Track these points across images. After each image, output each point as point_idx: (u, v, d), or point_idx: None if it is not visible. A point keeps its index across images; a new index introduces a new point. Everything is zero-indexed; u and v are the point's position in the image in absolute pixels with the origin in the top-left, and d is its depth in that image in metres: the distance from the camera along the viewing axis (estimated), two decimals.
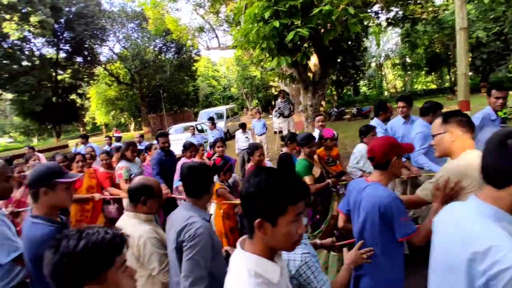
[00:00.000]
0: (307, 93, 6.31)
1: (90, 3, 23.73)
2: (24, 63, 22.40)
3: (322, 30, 4.99)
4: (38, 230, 1.55)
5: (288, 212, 0.93)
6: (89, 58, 25.93)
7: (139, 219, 1.91)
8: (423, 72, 34.38)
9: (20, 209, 3.52)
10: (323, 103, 9.79)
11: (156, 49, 28.35)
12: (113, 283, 0.94)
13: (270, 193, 0.93)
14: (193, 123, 14.16)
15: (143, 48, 26.90)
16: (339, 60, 15.70)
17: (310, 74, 6.72)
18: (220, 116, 17.71)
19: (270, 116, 22.55)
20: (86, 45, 24.72)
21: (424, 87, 36.19)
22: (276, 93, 37.04)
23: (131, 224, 1.86)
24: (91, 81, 27.81)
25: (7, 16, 17.02)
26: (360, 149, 3.60)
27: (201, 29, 19.03)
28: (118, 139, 9.94)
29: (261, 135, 9.64)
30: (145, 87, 28.26)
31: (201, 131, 13.74)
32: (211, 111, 19.44)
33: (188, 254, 1.55)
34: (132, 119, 37.68)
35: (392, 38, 35.20)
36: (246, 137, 7.98)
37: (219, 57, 60.58)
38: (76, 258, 0.88)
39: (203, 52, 30.49)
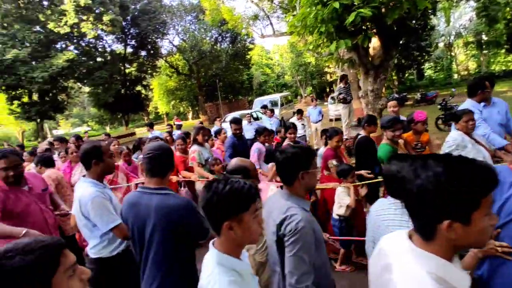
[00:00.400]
0: (367, 77, 5.97)
1: (152, 0, 25.23)
2: (98, 59, 24.86)
3: (386, 9, 4.64)
4: (170, 200, 1.74)
5: (482, 205, 0.79)
6: (152, 51, 27.76)
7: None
8: (503, 51, 30.12)
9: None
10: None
11: (212, 39, 29.17)
12: (247, 225, 1.12)
13: (457, 188, 0.78)
14: (249, 111, 14.41)
15: (200, 39, 27.87)
16: (402, 42, 14.52)
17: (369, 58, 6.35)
18: (274, 104, 17.69)
19: (326, 103, 21.93)
20: (149, 40, 26.46)
21: (504, 68, 31.76)
22: (332, 79, 35.91)
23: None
24: (154, 73, 29.82)
25: (84, 17, 18.92)
26: (455, 136, 3.05)
27: (255, 17, 19.06)
28: (179, 127, 10.56)
29: (316, 122, 9.44)
30: (202, 77, 29.38)
31: (256, 118, 13.90)
32: (265, 99, 19.52)
33: (291, 250, 1.47)
34: (190, 108, 39.59)
35: (465, 14, 31.33)
36: (303, 124, 7.83)
37: (272, 45, 60.13)
38: (221, 197, 1.10)
39: (257, 41, 30.66)
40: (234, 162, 2.00)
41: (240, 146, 4.68)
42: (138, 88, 28.95)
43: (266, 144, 4.58)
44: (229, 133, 5.18)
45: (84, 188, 2.08)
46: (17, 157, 2.57)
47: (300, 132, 7.62)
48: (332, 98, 17.70)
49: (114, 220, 1.98)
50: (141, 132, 29.42)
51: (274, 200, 1.69)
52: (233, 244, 1.15)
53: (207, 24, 26.05)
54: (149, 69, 28.57)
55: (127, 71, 27.32)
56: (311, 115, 9.71)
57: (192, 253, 1.83)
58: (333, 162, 3.46)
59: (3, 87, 20.40)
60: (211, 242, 1.21)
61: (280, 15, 20.01)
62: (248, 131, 7.94)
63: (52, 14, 19.64)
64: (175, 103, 37.97)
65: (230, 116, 16.31)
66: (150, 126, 9.00)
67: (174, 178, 4.17)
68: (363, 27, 5.26)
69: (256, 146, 4.45)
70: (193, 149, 4.36)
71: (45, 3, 20.87)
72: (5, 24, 19.21)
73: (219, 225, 1.11)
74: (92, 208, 1.97)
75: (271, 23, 18.25)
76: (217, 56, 28.81)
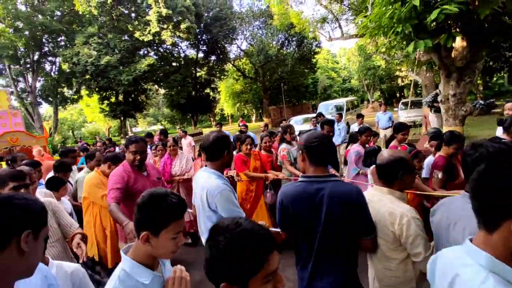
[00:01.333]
0: (449, 81, 5.47)
1: (224, 7, 26.57)
2: (174, 64, 27.04)
3: (476, 3, 4.19)
4: (343, 187, 1.72)
5: None
6: (221, 56, 29.21)
7: (394, 195, 1.75)
8: None
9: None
10: None
11: (279, 43, 29.54)
12: (161, 241, 1.21)
13: None
14: (313, 115, 14.27)
15: (267, 44, 28.44)
16: (492, 41, 12.84)
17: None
18: (339, 109, 17.17)
19: (395, 109, 20.57)
20: (219, 45, 27.89)
21: None
22: (403, 83, 33.44)
23: (390, 200, 1.73)
24: (222, 77, 31.33)
25: (165, 26, 20.77)
26: None
27: (323, 20, 18.78)
28: (244, 128, 10.98)
29: (385, 128, 8.93)
30: (267, 81, 29.92)
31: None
32: (330, 103, 19.06)
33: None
34: (254, 110, 40.58)
35: None
36: None
37: (338, 48, 58.37)
38: (149, 211, 1.24)
39: (324, 44, 30.22)
40: (388, 154, 1.80)
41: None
42: (207, 90, 30.68)
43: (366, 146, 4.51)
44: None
45: (209, 179, 2.07)
46: (144, 144, 2.94)
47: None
48: (404, 103, 16.52)
49: (240, 214, 2.01)
50: (208, 131, 31.09)
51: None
52: (146, 254, 1.22)
53: (274, 28, 26.47)
54: (217, 72, 30.11)
55: (198, 74, 29.19)
56: (380, 121, 9.21)
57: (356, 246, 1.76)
58: (438, 175, 3.02)
59: (97, 89, 23.46)
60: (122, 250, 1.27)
61: (349, 17, 19.40)
62: None
63: (139, 25, 22.00)
64: (240, 106, 39.31)
65: (295, 119, 16.31)
66: (220, 125, 9.54)
67: (270, 176, 4.06)
68: (447, 25, 4.84)
69: (356, 149, 4.42)
70: (283, 147, 4.35)
71: (133, 15, 23.45)
72: (101, 34, 22.09)
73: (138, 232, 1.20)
74: (220, 201, 1.97)
75: (339, 26, 17.80)
76: (283, 60, 29.07)
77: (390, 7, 4.73)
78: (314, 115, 15.11)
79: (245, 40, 30.64)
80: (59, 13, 23.57)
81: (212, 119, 42.48)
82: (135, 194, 2.64)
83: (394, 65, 28.26)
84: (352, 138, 4.84)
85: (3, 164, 5.35)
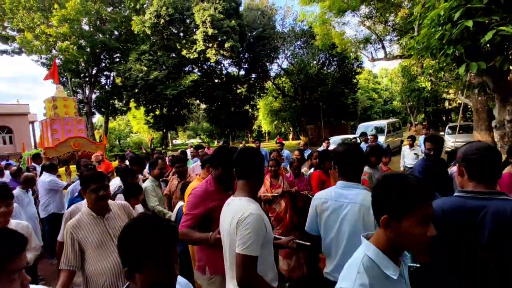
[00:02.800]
0: (504, 105, 5.15)
1: (267, 27, 27.41)
2: (216, 80, 28.15)
3: None
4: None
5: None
6: (261, 74, 29.91)
7: None
8: None
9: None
10: None
11: (319, 63, 29.65)
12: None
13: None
14: (352, 136, 13.99)
15: (308, 63, 28.67)
16: None
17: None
18: (380, 131, 16.62)
19: (441, 133, 19.48)
20: (260, 63, 28.64)
21: None
22: (451, 107, 31.66)
23: None
24: (262, 94, 31.91)
25: (210, 44, 21.87)
26: None
27: (366, 40, 18.66)
28: (281, 146, 11.06)
29: None
30: (306, 99, 29.97)
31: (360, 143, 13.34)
32: (370, 124, 18.56)
33: None
34: (291, 128, 40.57)
35: None
36: (415, 154, 6.79)
37: (379, 69, 57.07)
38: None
39: (366, 64, 29.80)
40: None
41: (434, 170, 3.50)
42: (246, 107, 31.36)
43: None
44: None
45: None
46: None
47: (409, 162, 6.76)
48: (452, 128, 15.63)
49: None
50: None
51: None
52: None
53: (315, 48, 26.70)
54: (257, 90, 30.78)
55: (238, 91, 30.05)
56: (423, 145, 8.75)
57: None
58: None
59: (144, 102, 25.05)
60: None
61: (393, 37, 19.08)
62: None
63: (186, 43, 23.40)
64: (278, 123, 39.55)
65: (334, 139, 16.04)
66: (258, 142, 9.72)
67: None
68: (503, 47, 4.62)
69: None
70: (365, 171, 3.68)
71: (181, 34, 25.01)
72: (152, 52, 23.78)
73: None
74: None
75: (383, 46, 17.57)
76: (323, 79, 29.06)
77: (440, 28, 4.64)
78: (354, 135, 14.82)
79: (286, 59, 31.19)
80: (117, 33, 25.84)
81: (249, 135, 43.13)
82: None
83: (441, 87, 27.01)
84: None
85: (61, 170, 5.71)
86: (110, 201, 2.29)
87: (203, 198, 2.20)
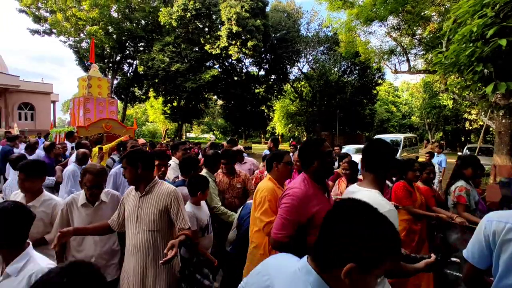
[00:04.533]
0: None
1: (291, 30, 27.38)
2: (235, 78, 28.30)
3: None
4: None
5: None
6: (281, 76, 29.89)
7: None
8: None
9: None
10: None
11: (341, 70, 29.44)
12: None
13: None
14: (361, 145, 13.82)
15: (329, 69, 28.51)
16: None
17: None
18: (395, 144, 16.35)
19: (459, 153, 19.02)
20: (281, 65, 28.63)
21: None
22: (471, 127, 30.89)
23: None
24: (279, 96, 31.90)
25: (233, 42, 22.00)
26: None
27: (391, 52, 18.42)
28: (293, 148, 11.07)
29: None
30: (323, 105, 29.78)
31: None
32: (386, 137, 18.24)
33: None
34: (305, 133, 40.40)
35: None
36: None
37: (400, 83, 56.14)
38: None
39: (388, 76, 29.43)
40: None
41: None
42: (263, 107, 31.40)
43: None
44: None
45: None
46: None
47: None
48: (471, 149, 15.26)
49: None
50: (258, 147, 31.60)
51: None
52: None
53: (338, 55, 26.54)
54: (275, 91, 30.78)
55: (256, 91, 30.11)
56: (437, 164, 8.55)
57: None
58: None
59: (163, 92, 25.42)
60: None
61: (418, 51, 18.78)
62: None
63: (210, 38, 23.61)
64: (292, 127, 39.43)
65: (347, 148, 15.86)
66: (274, 141, 9.66)
67: (444, 215, 3.24)
68: None
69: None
70: (460, 186, 3.29)
71: (206, 29, 25.26)
72: (176, 44, 24.09)
73: None
74: None
75: (407, 59, 17.29)
76: (343, 87, 28.83)
77: (471, 44, 4.57)
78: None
79: (307, 63, 31.09)
80: (143, 22, 26.30)
81: (262, 135, 43.18)
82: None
83: (464, 107, 26.37)
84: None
85: (95, 150, 5.66)
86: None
87: (305, 202, 1.80)
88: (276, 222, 1.83)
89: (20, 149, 8.16)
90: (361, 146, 15.86)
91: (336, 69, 29.62)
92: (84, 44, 26.12)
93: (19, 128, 24.91)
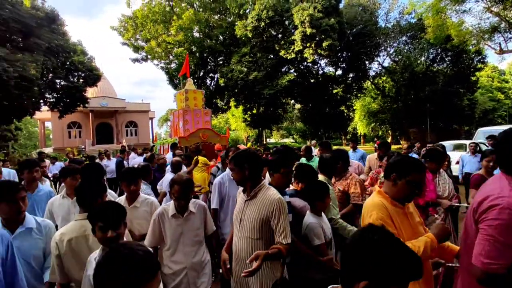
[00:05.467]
0: None
1: (368, 24, 25.91)
2: (312, 80, 28.06)
3: None
4: None
5: None
6: (360, 73, 28.44)
7: None
8: None
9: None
10: None
11: (429, 59, 26.61)
12: None
13: None
14: (467, 141, 12.07)
15: (414, 60, 26.06)
16: None
17: None
18: None
19: None
20: (359, 62, 27.28)
21: None
22: None
23: None
24: (359, 95, 30.38)
25: (307, 44, 21.91)
26: None
27: (493, 29, 15.90)
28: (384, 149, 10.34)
29: None
30: (410, 100, 27.27)
31: (480, 151, 11.46)
32: (494, 129, 15.62)
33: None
34: (390, 132, 37.52)
35: None
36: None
37: (508, 65, 47.68)
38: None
39: (490, 59, 25.36)
40: None
41: None
42: (342, 108, 30.33)
43: None
44: None
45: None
46: None
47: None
48: None
49: None
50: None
51: None
52: None
53: (424, 43, 24.04)
54: (355, 90, 29.44)
55: (334, 91, 29.29)
56: None
57: None
58: None
59: (243, 101, 26.72)
60: None
61: None
62: (472, 163, 7.42)
63: (284, 44, 23.99)
64: (375, 126, 37.07)
65: (444, 144, 14.05)
66: (354, 142, 9.25)
67: None
68: None
69: None
70: None
71: (280, 36, 25.75)
72: (252, 54, 25.16)
73: None
74: None
75: None
76: (432, 77, 25.95)
77: None
78: (470, 141, 12.68)
79: (388, 56, 28.98)
80: (222, 38, 28.25)
81: (343, 137, 41.58)
82: None
83: None
84: None
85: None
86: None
87: None
88: (486, 248, 1.36)
89: (131, 158, 9.56)
90: (461, 141, 13.99)
91: (423, 58, 26.85)
92: (172, 65, 29.28)
93: (127, 143, 29.17)
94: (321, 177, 3.11)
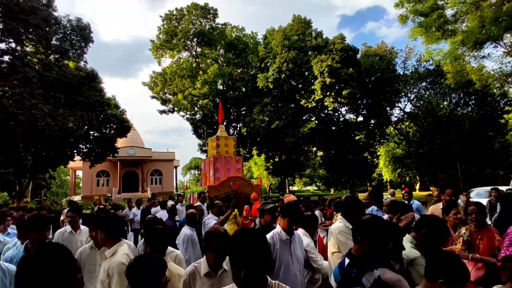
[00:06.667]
0: None
1: (386, 72, 26.52)
2: (333, 127, 28.29)
3: None
4: None
5: None
6: (381, 119, 28.47)
7: None
8: None
9: None
10: None
11: (452, 104, 26.40)
12: None
13: None
14: (505, 187, 11.40)
15: (436, 105, 25.93)
16: None
17: None
18: None
19: None
20: (380, 108, 27.47)
21: None
22: None
23: None
24: (382, 140, 30.06)
25: (327, 93, 22.56)
26: None
27: None
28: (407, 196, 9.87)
29: None
30: (436, 144, 26.59)
31: None
32: None
33: None
34: (418, 177, 36.08)
35: None
36: None
37: None
38: None
39: None
40: None
41: None
42: (365, 154, 29.93)
43: None
44: None
45: None
46: None
47: None
48: None
49: None
50: (363, 196, 29.52)
51: None
52: None
53: (445, 88, 24.08)
54: (377, 136, 29.25)
55: (356, 138, 29.21)
56: None
57: None
58: None
59: (265, 149, 27.06)
60: None
61: None
62: None
63: (305, 93, 24.85)
64: (401, 171, 35.87)
65: (478, 191, 13.20)
66: (377, 191, 8.97)
67: None
68: None
69: None
70: None
71: (300, 86, 26.79)
72: (273, 103, 26.10)
73: None
74: None
75: None
76: (457, 121, 25.48)
77: None
78: (508, 187, 11.86)
79: (409, 102, 29.08)
80: (244, 89, 29.71)
81: (368, 183, 40.32)
82: None
83: None
84: None
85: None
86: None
87: None
88: None
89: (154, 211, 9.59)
90: (499, 187, 13.13)
91: (445, 103, 26.67)
92: (197, 116, 30.70)
93: (151, 191, 29.67)
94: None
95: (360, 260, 1.74)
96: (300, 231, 3.28)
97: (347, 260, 1.80)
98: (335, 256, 2.76)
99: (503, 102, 24.64)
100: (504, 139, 29.46)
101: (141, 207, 9.71)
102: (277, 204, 4.92)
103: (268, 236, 2.84)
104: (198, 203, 7.21)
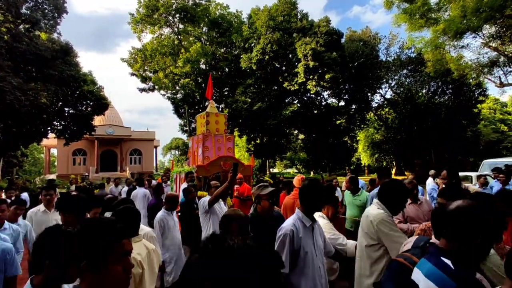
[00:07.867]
0: None
1: (369, 57, 26.76)
2: (315, 111, 28.49)
3: None
4: None
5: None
6: (362, 105, 28.90)
7: None
8: None
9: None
10: None
11: (430, 92, 27.08)
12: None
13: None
14: (474, 173, 11.96)
15: (416, 92, 26.53)
16: None
17: None
18: None
19: None
20: (361, 94, 27.83)
21: None
22: None
23: None
24: (362, 126, 30.65)
25: (310, 76, 22.54)
26: None
27: (492, 64, 16.29)
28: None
29: None
30: (413, 131, 27.43)
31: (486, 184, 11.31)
32: (500, 161, 15.51)
33: None
34: (394, 163, 37.31)
35: None
36: None
37: (509, 97, 48.29)
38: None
39: (491, 91, 25.81)
40: None
41: None
42: (345, 138, 30.50)
43: None
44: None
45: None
46: None
47: None
48: None
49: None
50: (342, 180, 30.33)
51: None
52: None
53: (425, 76, 24.60)
54: (358, 121, 29.77)
55: (337, 122, 29.62)
56: None
57: None
58: None
59: (247, 130, 26.99)
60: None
61: None
62: None
63: (288, 76, 24.71)
64: (379, 157, 36.92)
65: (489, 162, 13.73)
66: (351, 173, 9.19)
67: None
68: None
69: None
70: None
71: (284, 68, 26.57)
72: (256, 85, 25.84)
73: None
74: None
75: None
76: (435, 109, 26.28)
77: None
78: (476, 173, 12.51)
79: (390, 88, 29.57)
80: (227, 70, 29.17)
81: (347, 167, 41.33)
82: None
83: None
84: None
85: None
86: None
87: None
88: None
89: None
90: (467, 173, 13.82)
91: (424, 91, 27.33)
92: (178, 95, 30.02)
93: (130, 171, 29.15)
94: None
95: (463, 257, 1.32)
96: (316, 214, 2.78)
97: (446, 260, 1.31)
98: (370, 250, 2.38)
99: (477, 92, 25.53)
100: (476, 128, 30.75)
101: (127, 187, 9.25)
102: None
103: (289, 223, 2.43)
104: (185, 184, 6.83)
